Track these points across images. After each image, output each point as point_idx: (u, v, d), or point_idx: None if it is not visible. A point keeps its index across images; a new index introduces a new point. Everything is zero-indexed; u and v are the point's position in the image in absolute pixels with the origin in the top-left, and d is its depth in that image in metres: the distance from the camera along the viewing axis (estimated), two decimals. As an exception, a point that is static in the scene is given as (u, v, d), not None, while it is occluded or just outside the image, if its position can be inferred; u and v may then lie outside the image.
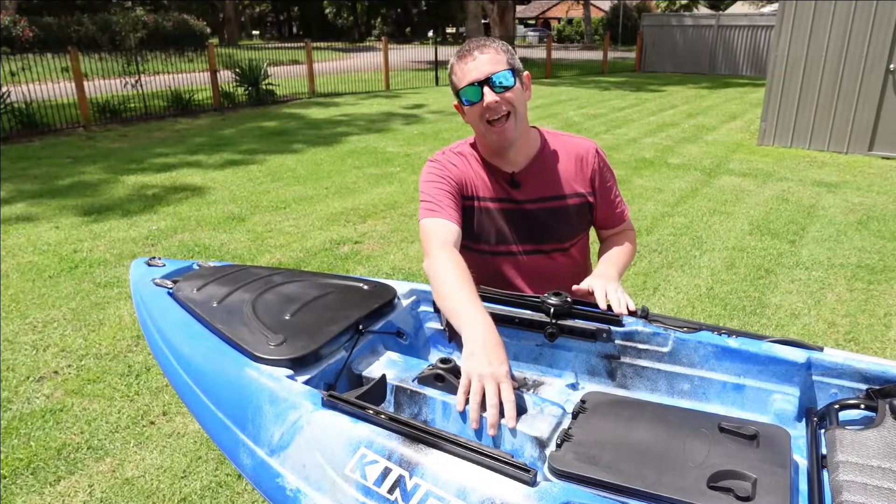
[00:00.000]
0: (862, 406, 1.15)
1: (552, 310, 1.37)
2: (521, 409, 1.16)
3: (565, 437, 1.08)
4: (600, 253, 1.74)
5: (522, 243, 1.68)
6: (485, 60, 1.50)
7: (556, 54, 22.67)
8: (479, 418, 1.09)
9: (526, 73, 1.59)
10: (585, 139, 1.72)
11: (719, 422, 1.12)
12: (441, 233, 1.51)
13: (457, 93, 1.56)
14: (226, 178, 6.71)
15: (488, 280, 1.70)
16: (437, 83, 16.62)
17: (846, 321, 3.44)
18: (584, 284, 1.47)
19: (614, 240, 1.76)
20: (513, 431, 1.09)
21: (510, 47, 1.57)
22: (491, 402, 1.08)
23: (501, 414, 1.09)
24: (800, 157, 7.59)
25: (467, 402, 1.11)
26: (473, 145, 1.69)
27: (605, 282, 1.44)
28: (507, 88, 1.50)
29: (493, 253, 1.69)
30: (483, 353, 1.15)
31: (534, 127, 1.70)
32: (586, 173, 1.67)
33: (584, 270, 1.75)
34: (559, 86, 16.20)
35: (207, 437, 2.31)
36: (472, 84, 1.50)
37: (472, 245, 1.69)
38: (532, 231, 1.67)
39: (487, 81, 1.49)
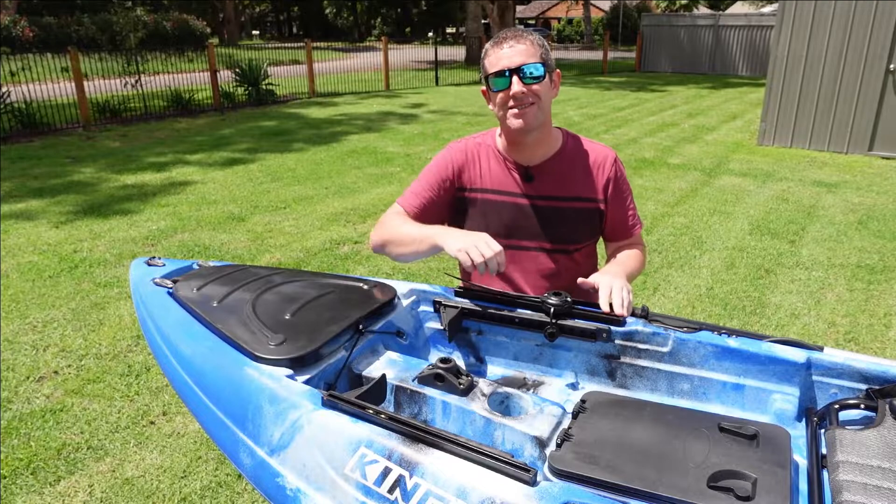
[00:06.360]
0: (862, 406, 1.15)
1: (552, 310, 1.37)
2: (521, 409, 1.16)
3: (565, 437, 1.08)
4: (607, 262, 1.73)
5: (527, 239, 1.68)
6: (520, 51, 1.52)
7: (556, 54, 22.60)
8: (485, 267, 1.36)
9: (556, 70, 1.62)
10: (607, 148, 1.73)
11: (719, 422, 1.12)
12: (388, 219, 1.67)
13: (486, 77, 1.58)
14: (226, 177, 6.71)
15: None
16: (437, 83, 16.62)
17: (846, 321, 3.44)
18: (590, 280, 1.46)
19: (621, 249, 1.75)
20: (512, 429, 1.09)
21: (546, 43, 1.59)
22: (485, 251, 1.37)
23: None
24: (800, 157, 7.59)
25: (474, 268, 1.36)
26: (496, 137, 1.72)
27: (611, 278, 1.43)
28: (536, 81, 1.52)
29: None
30: (463, 233, 1.45)
31: (559, 128, 1.71)
32: (600, 180, 1.68)
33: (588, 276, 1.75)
34: (559, 85, 16.16)
35: (207, 436, 2.31)
36: (502, 71, 1.52)
37: None
38: (538, 228, 1.68)
39: (518, 71, 1.51)
